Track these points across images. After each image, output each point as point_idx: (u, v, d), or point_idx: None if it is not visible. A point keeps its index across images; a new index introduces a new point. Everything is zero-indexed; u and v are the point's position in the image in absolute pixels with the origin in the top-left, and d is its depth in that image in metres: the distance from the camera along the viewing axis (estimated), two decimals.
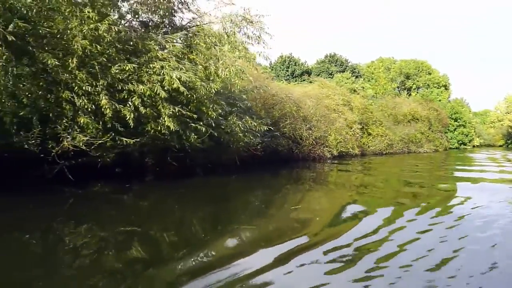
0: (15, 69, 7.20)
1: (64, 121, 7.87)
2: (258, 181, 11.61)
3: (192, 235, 5.38)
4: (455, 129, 52.50)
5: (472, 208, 6.43)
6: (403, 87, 63.38)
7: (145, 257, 4.19)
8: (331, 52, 58.56)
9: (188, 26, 10.36)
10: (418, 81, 62.33)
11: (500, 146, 70.59)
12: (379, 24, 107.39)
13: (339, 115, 25.57)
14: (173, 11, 10.47)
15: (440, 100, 54.90)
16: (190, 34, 10.03)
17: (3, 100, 7.34)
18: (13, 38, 6.54)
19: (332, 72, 55.41)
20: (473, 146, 57.47)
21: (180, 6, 10.49)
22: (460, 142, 52.61)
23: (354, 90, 36.68)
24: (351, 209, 6.80)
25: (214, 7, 10.12)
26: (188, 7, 10.50)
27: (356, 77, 56.59)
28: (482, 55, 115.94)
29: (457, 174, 14.18)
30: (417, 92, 62.02)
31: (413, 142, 34.01)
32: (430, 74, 62.75)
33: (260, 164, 14.74)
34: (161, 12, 10.10)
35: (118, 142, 8.51)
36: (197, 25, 10.27)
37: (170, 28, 10.16)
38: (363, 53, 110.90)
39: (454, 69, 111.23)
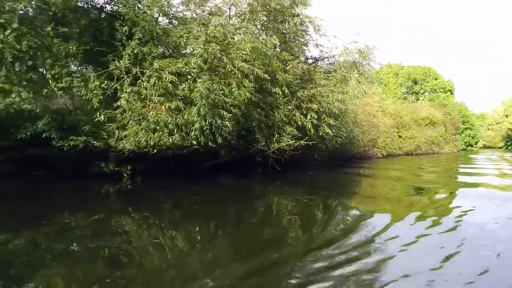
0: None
1: (274, 129, 11.97)
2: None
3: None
4: (462, 132, 57.87)
5: None
6: (411, 91, 68.58)
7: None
8: None
9: (325, 57, 14.56)
10: (425, 86, 67.62)
11: (500, 147, 76.22)
12: (379, 30, 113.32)
13: (378, 120, 30.06)
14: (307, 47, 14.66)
15: (447, 105, 60.05)
16: (329, 64, 14.22)
17: (239, 117, 11.41)
18: (267, 76, 10.63)
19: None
20: (479, 148, 62.91)
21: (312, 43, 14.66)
22: (467, 144, 57.95)
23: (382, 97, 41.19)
24: None
25: (344, 43, 14.31)
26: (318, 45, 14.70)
27: (369, 82, 61.28)
28: (477, 59, 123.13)
29: None
30: (425, 97, 67.32)
31: (435, 143, 38.77)
32: (436, 79, 68.18)
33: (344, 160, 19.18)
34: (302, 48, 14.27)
35: (297, 144, 12.64)
36: (332, 56, 14.48)
37: (311, 59, 14.32)
38: None
39: (448, 72, 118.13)
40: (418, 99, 64.92)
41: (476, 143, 59.66)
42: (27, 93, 9.06)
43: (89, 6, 10.69)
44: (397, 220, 6.48)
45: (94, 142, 10.66)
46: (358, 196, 9.91)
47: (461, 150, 54.70)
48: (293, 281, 3.77)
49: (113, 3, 11.14)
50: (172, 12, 11.00)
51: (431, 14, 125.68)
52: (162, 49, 10.37)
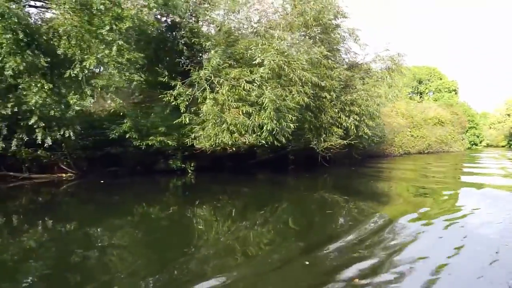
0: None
1: (321, 130, 13.50)
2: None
3: None
4: (467, 131, 59.55)
5: None
6: (416, 91, 70.27)
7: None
8: None
9: (358, 64, 16.09)
10: (430, 86, 69.34)
11: (503, 146, 77.94)
12: (381, 31, 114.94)
13: (392, 120, 31.65)
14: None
15: (453, 104, 61.70)
16: (363, 71, 15.75)
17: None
18: (322, 84, 12.14)
19: None
20: (483, 147, 64.70)
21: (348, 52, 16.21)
22: (472, 142, 59.68)
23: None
24: None
25: (376, 51, 15.85)
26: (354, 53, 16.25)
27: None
28: (476, 59, 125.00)
29: None
30: (429, 97, 69.01)
31: (444, 142, 40.42)
32: (441, 79, 69.95)
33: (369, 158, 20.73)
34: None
35: (340, 142, 14.17)
36: (366, 63, 16.01)
37: (347, 66, 15.84)
38: None
39: (448, 71, 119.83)
40: (422, 99, 66.63)
41: (480, 142, 61.48)
42: (119, 99, 10.50)
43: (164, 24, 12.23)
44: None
45: (168, 141, 12.17)
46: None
47: (467, 149, 56.32)
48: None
49: (182, 20, 12.63)
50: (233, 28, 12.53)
51: (428, 14, 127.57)
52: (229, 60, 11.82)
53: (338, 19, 14.42)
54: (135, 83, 11.44)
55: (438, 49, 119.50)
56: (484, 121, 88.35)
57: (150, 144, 12.00)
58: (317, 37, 13.44)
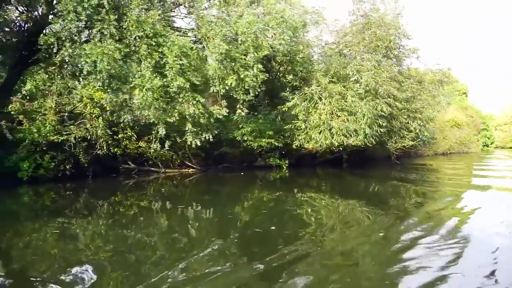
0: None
1: (393, 133, 16.39)
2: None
3: None
4: (479, 133, 62.58)
5: None
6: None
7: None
8: None
9: (415, 77, 19.01)
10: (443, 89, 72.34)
11: (510, 148, 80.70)
12: None
13: None
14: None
15: (467, 107, 64.62)
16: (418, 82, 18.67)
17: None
18: (401, 96, 15.05)
19: None
20: (494, 148, 67.79)
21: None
22: (484, 144, 62.71)
23: None
24: None
25: (428, 66, 18.81)
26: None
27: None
28: (475, 61, 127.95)
29: None
30: None
31: (463, 144, 43.43)
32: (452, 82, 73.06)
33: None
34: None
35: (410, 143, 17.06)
36: (421, 76, 18.95)
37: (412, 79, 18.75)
38: None
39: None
40: None
41: (492, 143, 64.65)
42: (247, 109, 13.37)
43: None
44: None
45: (275, 142, 15.04)
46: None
47: (481, 149, 59.20)
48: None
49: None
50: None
51: (426, 14, 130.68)
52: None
53: (402, 40, 17.38)
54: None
55: (437, 50, 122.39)
56: (491, 123, 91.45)
57: (261, 145, 14.87)
58: (391, 56, 16.40)
